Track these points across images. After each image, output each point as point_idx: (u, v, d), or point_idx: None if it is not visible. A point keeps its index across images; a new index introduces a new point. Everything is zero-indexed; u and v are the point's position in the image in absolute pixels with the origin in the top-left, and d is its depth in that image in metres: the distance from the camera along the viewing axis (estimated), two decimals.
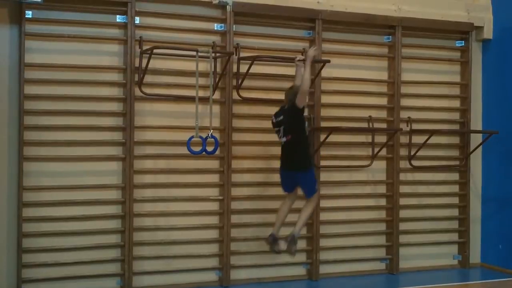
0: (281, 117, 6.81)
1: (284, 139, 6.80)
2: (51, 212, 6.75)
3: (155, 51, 6.70)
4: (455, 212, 8.62)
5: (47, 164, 6.75)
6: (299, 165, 6.80)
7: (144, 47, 6.89)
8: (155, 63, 6.94)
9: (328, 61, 7.43)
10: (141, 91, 6.95)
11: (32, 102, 6.67)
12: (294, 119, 6.76)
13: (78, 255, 6.81)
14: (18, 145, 6.57)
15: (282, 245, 6.75)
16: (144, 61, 6.80)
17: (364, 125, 8.02)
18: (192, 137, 6.71)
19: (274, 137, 7.56)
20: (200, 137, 6.72)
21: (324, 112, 7.80)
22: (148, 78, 6.96)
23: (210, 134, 6.77)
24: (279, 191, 7.56)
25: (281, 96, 7.57)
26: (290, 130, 6.75)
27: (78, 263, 6.80)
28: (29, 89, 6.64)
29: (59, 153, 6.78)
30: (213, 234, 7.41)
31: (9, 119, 6.58)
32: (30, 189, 6.65)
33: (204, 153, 6.76)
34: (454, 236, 8.60)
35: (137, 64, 6.92)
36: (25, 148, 6.60)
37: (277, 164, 7.24)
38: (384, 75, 8.21)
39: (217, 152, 7.09)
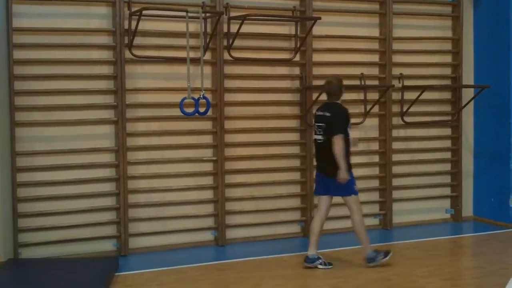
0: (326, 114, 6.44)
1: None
2: (45, 177, 6.78)
3: (144, 12, 6.64)
4: (447, 166, 8.69)
5: (40, 129, 6.76)
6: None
7: (133, 9, 6.82)
8: (144, 25, 6.89)
9: (319, 18, 7.37)
10: (132, 54, 6.91)
11: (22, 67, 6.64)
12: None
13: (74, 219, 6.86)
14: (10, 111, 6.56)
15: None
16: (134, 23, 6.75)
17: (356, 82, 8.01)
18: (185, 98, 6.70)
19: (266, 97, 7.62)
20: (193, 98, 6.71)
21: (316, 71, 7.79)
22: (138, 40, 6.91)
23: (202, 95, 6.77)
24: (271, 150, 7.65)
25: (272, 55, 7.60)
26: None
27: (74, 227, 6.85)
28: (19, 54, 6.60)
29: (51, 118, 6.78)
30: (207, 194, 7.46)
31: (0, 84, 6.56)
32: (23, 154, 6.67)
33: (196, 114, 6.76)
34: (447, 191, 8.69)
35: (126, 26, 6.87)
36: (17, 113, 6.60)
37: (268, 123, 7.29)
38: (375, 32, 8.18)
39: (210, 113, 7.11)
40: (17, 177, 6.62)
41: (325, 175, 6.53)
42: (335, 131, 6.33)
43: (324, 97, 7.55)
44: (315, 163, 6.94)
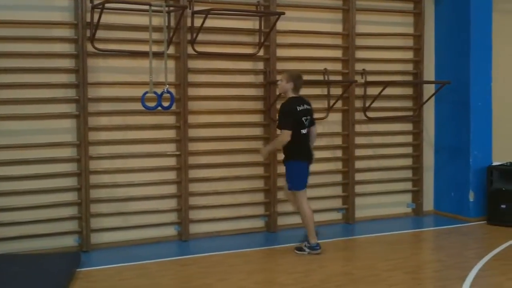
0: (307, 107, 6.84)
1: (305, 131, 6.80)
2: (6, 172, 6.67)
3: (107, 5, 6.56)
4: (409, 161, 8.81)
5: (0, 122, 6.63)
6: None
7: (96, 2, 6.74)
8: (107, 18, 6.82)
9: (283, 13, 7.39)
10: (94, 47, 6.83)
11: None
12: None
13: (35, 214, 6.77)
14: None
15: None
16: (96, 16, 6.67)
17: (320, 77, 8.06)
18: (146, 92, 6.65)
19: (229, 91, 7.61)
20: (155, 92, 6.66)
21: (280, 66, 7.80)
22: (100, 34, 6.83)
23: (166, 89, 6.73)
24: (235, 145, 7.65)
25: (236, 49, 7.58)
26: (311, 123, 6.91)
27: (35, 222, 6.76)
28: None
29: (11, 112, 6.66)
30: (171, 189, 7.43)
31: None
32: None
33: (159, 108, 6.72)
34: (408, 185, 8.81)
35: (88, 19, 6.79)
36: None
37: (232, 118, 7.31)
38: (338, 28, 8.23)
39: (173, 108, 7.07)
40: None
41: (311, 163, 6.90)
42: (314, 121, 6.94)
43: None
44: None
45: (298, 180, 6.79)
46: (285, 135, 6.64)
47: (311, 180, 8.02)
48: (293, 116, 6.66)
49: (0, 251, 6.58)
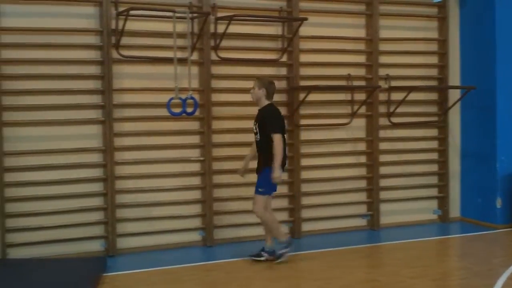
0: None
1: (286, 137, 6.75)
2: (33, 177, 6.76)
3: (131, 12, 6.64)
4: (434, 167, 8.73)
5: (27, 128, 6.73)
6: None
7: (120, 9, 6.82)
8: (131, 25, 6.88)
9: (306, 19, 7.40)
10: (119, 53, 6.91)
11: (9, 66, 6.63)
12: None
13: (62, 219, 6.84)
14: None
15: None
16: (121, 23, 6.75)
17: (343, 83, 8.04)
18: (172, 98, 6.71)
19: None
20: (180, 98, 6.72)
21: (303, 71, 7.81)
22: (125, 40, 6.91)
23: (189, 95, 6.77)
24: (249, 151, 7.62)
25: (259, 55, 7.60)
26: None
27: (62, 227, 6.83)
28: (5, 54, 6.59)
29: (38, 118, 6.76)
30: (195, 194, 7.46)
31: None
32: (11, 154, 6.64)
33: (184, 114, 6.77)
34: (434, 191, 8.73)
35: (113, 26, 6.87)
36: (4, 113, 6.58)
37: (250, 124, 7.33)
38: (362, 33, 8.21)
39: (197, 113, 7.10)
40: (5, 177, 6.59)
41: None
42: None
43: (312, 97, 7.66)
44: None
45: (271, 185, 6.63)
46: (280, 140, 6.50)
47: (336, 185, 8.08)
48: (281, 121, 6.63)
49: (28, 255, 6.66)
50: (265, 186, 6.61)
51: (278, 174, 6.49)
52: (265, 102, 6.67)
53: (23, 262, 6.46)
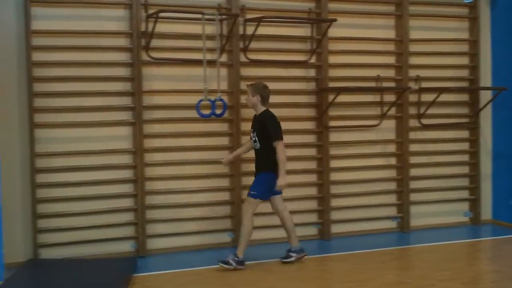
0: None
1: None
2: (64, 178, 6.83)
3: (160, 14, 6.69)
4: (465, 169, 8.63)
5: (58, 130, 6.81)
6: None
7: (150, 11, 6.87)
8: (161, 27, 6.93)
9: (335, 20, 7.39)
10: (148, 56, 6.96)
11: (40, 68, 6.70)
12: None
13: (93, 219, 6.90)
14: (29, 112, 6.62)
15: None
16: (150, 25, 6.80)
17: (372, 84, 8.00)
18: (202, 100, 6.75)
19: (281, 98, 7.62)
20: (209, 100, 6.75)
21: (332, 73, 7.79)
22: (154, 42, 6.96)
23: (219, 97, 6.80)
24: (288, 152, 7.55)
25: (288, 57, 7.59)
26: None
27: (92, 227, 6.89)
28: (36, 56, 6.67)
29: (69, 119, 6.83)
30: (224, 196, 7.47)
31: (19, 86, 6.63)
32: (42, 155, 6.72)
33: (213, 116, 6.79)
34: (465, 194, 8.62)
35: (143, 29, 6.92)
36: (36, 115, 6.66)
37: (284, 125, 7.28)
38: (391, 34, 8.16)
39: (226, 115, 7.13)
40: (36, 178, 6.68)
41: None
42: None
43: (341, 99, 7.62)
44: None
45: (265, 191, 6.56)
46: (283, 147, 6.42)
47: (366, 187, 8.03)
48: (280, 127, 6.53)
49: (59, 256, 6.74)
50: (259, 190, 6.53)
51: (283, 182, 6.38)
52: (262, 109, 6.57)
53: (55, 262, 6.54)
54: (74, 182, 6.85)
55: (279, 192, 6.69)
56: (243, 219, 6.61)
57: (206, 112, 6.81)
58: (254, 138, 6.61)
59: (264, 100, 6.59)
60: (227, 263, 6.45)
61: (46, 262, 6.58)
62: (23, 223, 6.68)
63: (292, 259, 6.71)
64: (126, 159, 7.07)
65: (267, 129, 6.48)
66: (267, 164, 6.52)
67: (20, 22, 6.59)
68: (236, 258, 6.48)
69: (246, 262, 6.59)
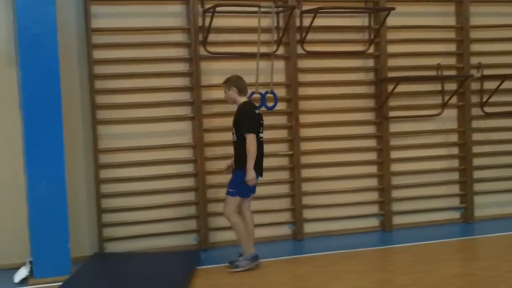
0: (260, 112, 6.40)
1: (262, 136, 6.33)
2: (127, 173, 6.94)
3: (217, 9, 6.71)
4: None
5: (119, 126, 6.92)
6: None
7: (206, 6, 6.91)
8: (217, 21, 6.95)
9: (393, 9, 7.27)
10: (206, 50, 7.00)
11: (101, 66, 6.82)
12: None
13: (156, 213, 7.00)
14: (91, 109, 6.76)
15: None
16: (207, 20, 6.84)
17: (433, 73, 7.84)
18: (253, 93, 6.75)
19: (340, 90, 7.56)
20: (260, 93, 6.75)
21: (391, 62, 7.67)
22: (211, 37, 6.99)
23: (270, 90, 6.79)
24: (347, 144, 7.60)
25: (345, 47, 7.51)
26: None
27: (156, 221, 6.98)
28: (97, 54, 6.79)
29: (130, 115, 6.93)
30: (284, 188, 7.46)
31: (81, 84, 6.76)
32: (105, 151, 6.85)
33: (263, 108, 6.77)
34: None
35: (200, 24, 6.96)
36: (98, 111, 6.79)
37: (343, 116, 7.26)
38: (451, 21, 7.98)
39: (285, 107, 7.10)
40: (100, 173, 6.81)
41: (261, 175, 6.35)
42: None
43: (400, 88, 7.51)
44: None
45: (243, 188, 6.24)
46: (253, 140, 6.10)
47: (427, 178, 7.88)
48: (254, 120, 6.21)
49: (124, 249, 6.87)
50: (236, 187, 6.23)
51: (251, 176, 6.09)
52: (241, 100, 6.31)
53: (120, 256, 6.67)
54: (136, 177, 6.95)
55: (253, 192, 6.39)
56: (229, 221, 6.32)
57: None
58: (232, 131, 6.37)
59: (241, 91, 6.30)
60: (236, 266, 6.24)
61: (111, 255, 6.72)
62: (89, 218, 6.83)
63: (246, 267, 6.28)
64: (186, 153, 7.14)
65: (240, 121, 6.22)
66: (242, 160, 6.18)
67: (80, 21, 6.73)
68: (247, 259, 6.27)
69: (308, 255, 6.55)
